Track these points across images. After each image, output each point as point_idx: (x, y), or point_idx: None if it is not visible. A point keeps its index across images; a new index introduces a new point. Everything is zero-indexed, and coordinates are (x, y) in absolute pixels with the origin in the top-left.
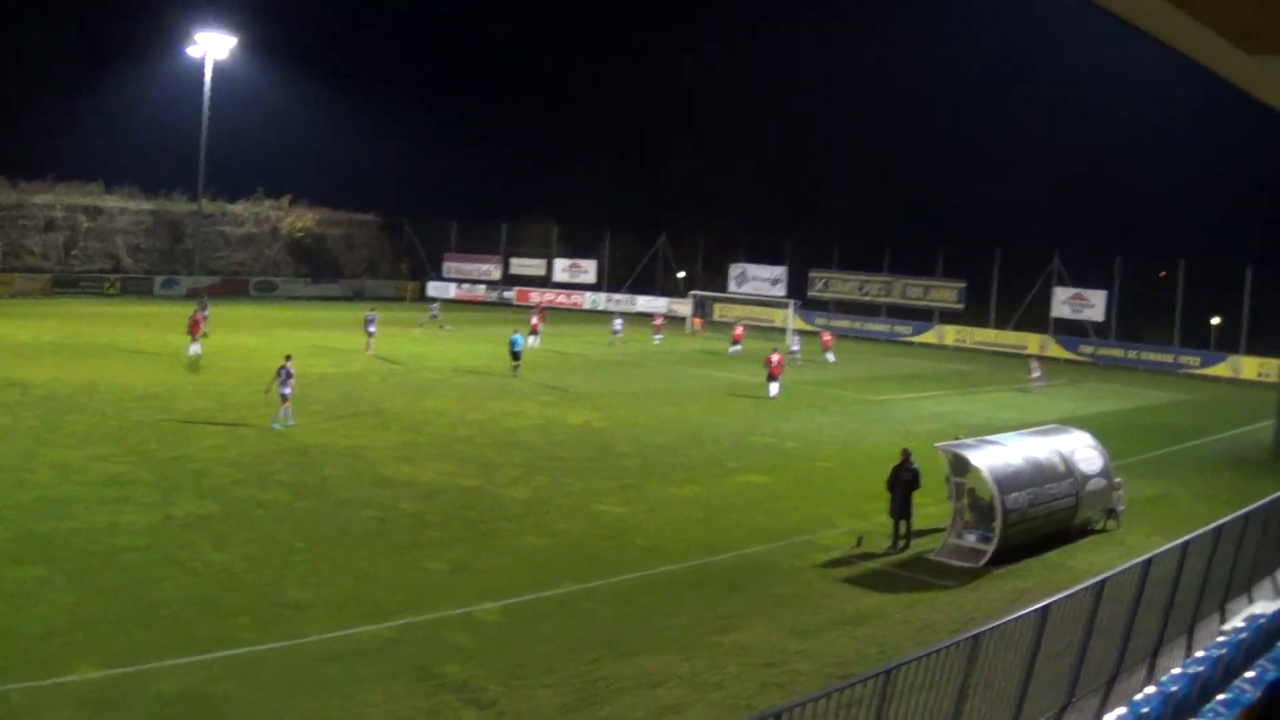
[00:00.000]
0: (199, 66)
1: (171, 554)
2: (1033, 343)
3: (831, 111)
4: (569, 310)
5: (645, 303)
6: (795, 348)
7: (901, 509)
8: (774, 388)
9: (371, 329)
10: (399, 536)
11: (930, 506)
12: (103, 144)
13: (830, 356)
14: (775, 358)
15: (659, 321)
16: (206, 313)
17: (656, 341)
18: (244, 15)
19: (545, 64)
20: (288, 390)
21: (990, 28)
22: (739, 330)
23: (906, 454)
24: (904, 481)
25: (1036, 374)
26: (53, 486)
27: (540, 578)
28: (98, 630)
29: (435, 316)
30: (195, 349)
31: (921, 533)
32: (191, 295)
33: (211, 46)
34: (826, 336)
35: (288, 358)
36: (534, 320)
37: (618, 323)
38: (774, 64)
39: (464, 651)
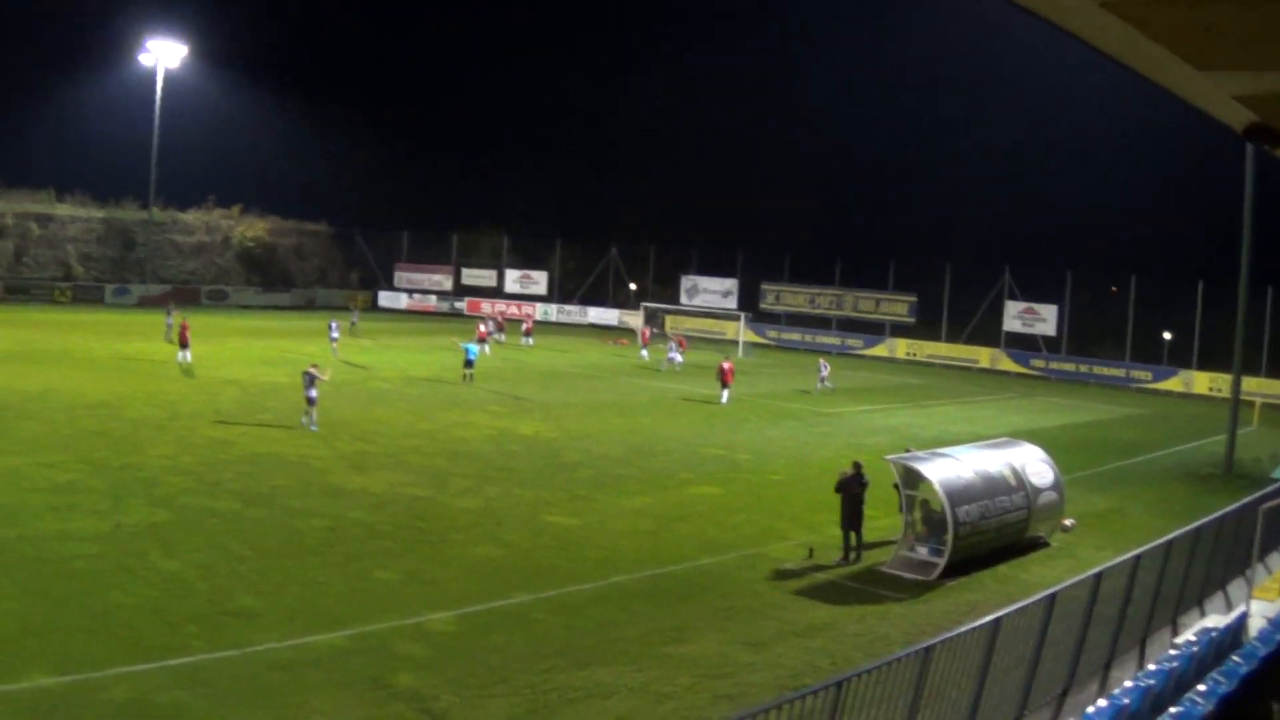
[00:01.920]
0: (150, 74)
1: (122, 562)
2: (984, 356)
3: (784, 124)
4: (521, 321)
5: (597, 314)
6: (675, 356)
7: (852, 521)
8: (725, 395)
9: (334, 335)
10: (349, 546)
11: (882, 519)
12: (53, 152)
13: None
14: (727, 365)
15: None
16: (172, 320)
17: (525, 343)
18: (196, 24)
19: (497, 75)
20: (314, 393)
21: (945, 44)
22: (645, 333)
23: (858, 466)
24: (854, 494)
25: (824, 373)
26: (2, 494)
27: (491, 588)
28: (47, 638)
29: (355, 324)
30: (185, 355)
31: (872, 545)
32: (143, 303)
33: (163, 55)
34: (682, 340)
35: (314, 365)
36: (481, 329)
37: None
38: (726, 76)
39: (415, 661)
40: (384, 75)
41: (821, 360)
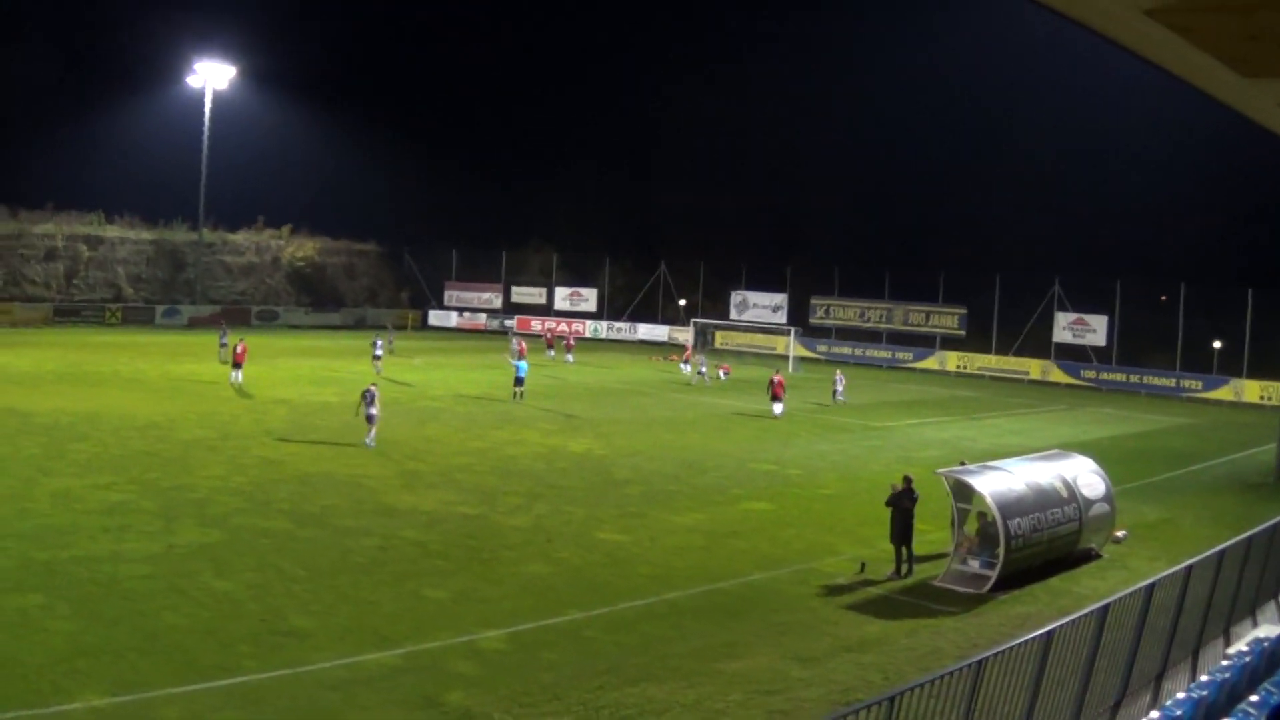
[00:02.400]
0: (199, 96)
1: (174, 582)
2: (1034, 368)
3: (831, 138)
4: (563, 338)
5: (646, 330)
6: (704, 369)
7: (903, 535)
8: (778, 408)
9: (378, 353)
10: (401, 565)
11: (933, 533)
12: (103, 174)
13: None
14: (777, 379)
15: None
16: (226, 340)
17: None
18: (243, 45)
19: (542, 93)
20: (374, 411)
21: (989, 54)
22: (688, 350)
23: (908, 480)
24: (905, 508)
25: (840, 386)
26: (54, 515)
27: (543, 606)
28: (100, 658)
29: (391, 343)
30: (237, 376)
31: (924, 558)
32: (193, 324)
33: (211, 76)
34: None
35: (374, 384)
36: (521, 345)
37: (379, 344)
38: (773, 90)
39: (467, 679)
40: (430, 94)
41: (838, 373)
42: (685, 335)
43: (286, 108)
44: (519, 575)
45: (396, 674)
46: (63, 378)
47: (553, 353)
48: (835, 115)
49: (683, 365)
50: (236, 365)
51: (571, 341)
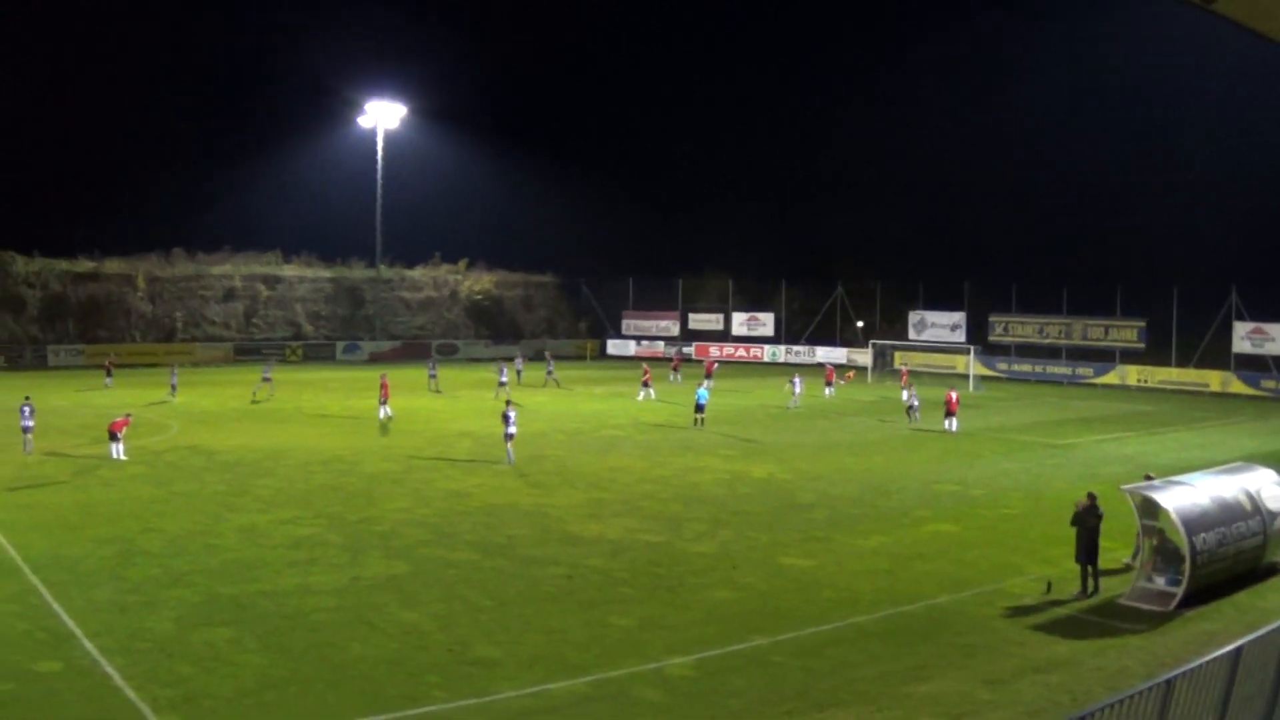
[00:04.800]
0: (371, 135)
1: (360, 614)
2: (1214, 380)
3: (1002, 153)
4: (748, 363)
5: (824, 353)
6: (799, 390)
7: (1088, 553)
8: (953, 423)
9: (503, 379)
10: (587, 593)
11: (1118, 550)
12: (279, 214)
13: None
14: (953, 395)
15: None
16: (435, 373)
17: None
18: (413, 84)
19: (714, 121)
20: (511, 430)
21: (1159, 62)
22: (830, 371)
23: (1093, 497)
24: (1090, 526)
25: (798, 390)
26: (241, 550)
27: (729, 631)
28: (287, 691)
29: (519, 372)
30: (386, 411)
31: (1109, 572)
32: (373, 360)
33: (382, 116)
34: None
35: (507, 403)
36: (645, 370)
37: (504, 371)
38: (940, 107)
39: (655, 707)
40: (603, 126)
41: (797, 377)
42: (865, 357)
43: (458, 143)
44: (704, 601)
45: (585, 702)
46: (246, 415)
47: (677, 376)
48: (1005, 130)
49: (827, 389)
50: (383, 400)
51: (678, 364)
